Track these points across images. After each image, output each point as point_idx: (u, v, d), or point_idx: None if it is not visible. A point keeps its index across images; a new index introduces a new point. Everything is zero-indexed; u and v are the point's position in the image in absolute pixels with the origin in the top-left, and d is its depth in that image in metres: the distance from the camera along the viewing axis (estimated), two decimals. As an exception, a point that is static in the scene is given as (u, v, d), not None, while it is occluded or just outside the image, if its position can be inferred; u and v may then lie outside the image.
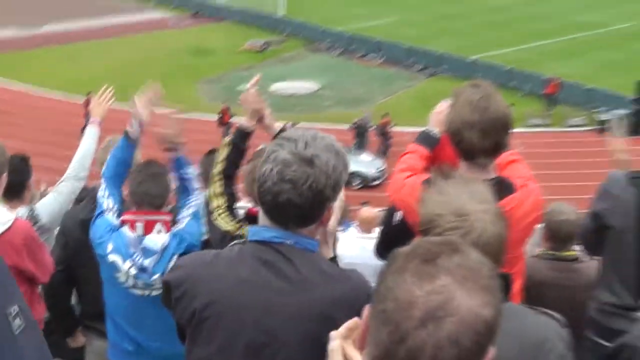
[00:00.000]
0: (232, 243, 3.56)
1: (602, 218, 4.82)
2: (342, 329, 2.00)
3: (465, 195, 2.80)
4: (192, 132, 35.33)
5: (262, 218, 3.07)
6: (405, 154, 4.34)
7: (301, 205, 2.87)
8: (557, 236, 5.81)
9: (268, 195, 2.89)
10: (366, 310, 1.80)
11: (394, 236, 4.05)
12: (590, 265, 5.67)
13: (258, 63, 46.70)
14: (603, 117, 36.42)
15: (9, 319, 1.90)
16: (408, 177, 4.04)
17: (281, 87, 41.56)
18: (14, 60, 44.48)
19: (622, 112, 35.32)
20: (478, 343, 1.66)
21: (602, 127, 34.28)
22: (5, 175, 4.82)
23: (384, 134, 36.36)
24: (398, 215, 4.34)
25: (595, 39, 52.54)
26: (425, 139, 4.29)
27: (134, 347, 4.98)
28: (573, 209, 5.97)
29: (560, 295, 5.29)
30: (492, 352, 1.75)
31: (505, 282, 2.80)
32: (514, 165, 4.09)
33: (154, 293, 4.79)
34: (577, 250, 5.92)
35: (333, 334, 2.02)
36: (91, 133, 5.91)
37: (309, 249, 3.05)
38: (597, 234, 4.96)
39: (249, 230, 3.21)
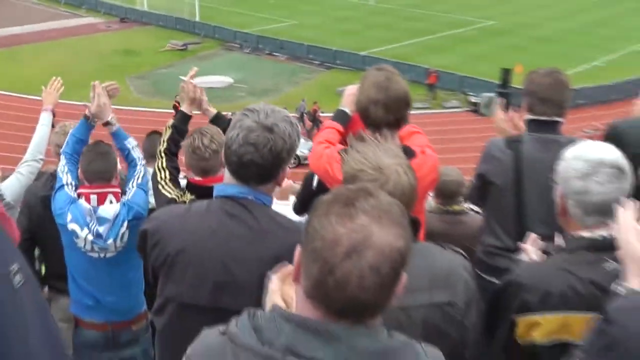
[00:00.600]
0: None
1: (486, 177, 5.19)
2: (280, 272, 2.39)
3: (380, 153, 3.09)
4: (124, 122, 38.32)
5: (228, 177, 3.41)
6: (323, 129, 4.71)
7: (262, 165, 3.23)
8: (444, 193, 6.47)
9: (234, 157, 3.25)
10: (297, 250, 2.04)
11: (311, 197, 3.79)
12: (475, 217, 6.20)
13: (178, 61, 48.14)
14: (473, 99, 39.23)
15: (10, 276, 2.06)
16: (326, 148, 4.40)
17: (201, 81, 40.06)
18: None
19: (489, 94, 36.98)
20: (394, 269, 1.92)
21: (474, 108, 37.67)
22: None
23: (315, 119, 38.11)
24: (315, 180, 4.94)
25: (465, 35, 55.34)
26: (339, 116, 4.64)
27: (93, 302, 5.23)
28: (457, 171, 6.66)
29: (450, 241, 4.84)
30: (404, 277, 2.01)
31: (415, 225, 3.06)
32: (414, 135, 4.47)
33: (109, 255, 5.08)
34: (463, 205, 6.48)
35: (272, 276, 2.41)
36: (44, 119, 6.19)
37: (266, 204, 3.41)
38: (481, 190, 5.31)
39: (215, 187, 3.50)
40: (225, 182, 3.42)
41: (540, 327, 3.17)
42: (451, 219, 6.36)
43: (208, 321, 2.23)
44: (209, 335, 2.11)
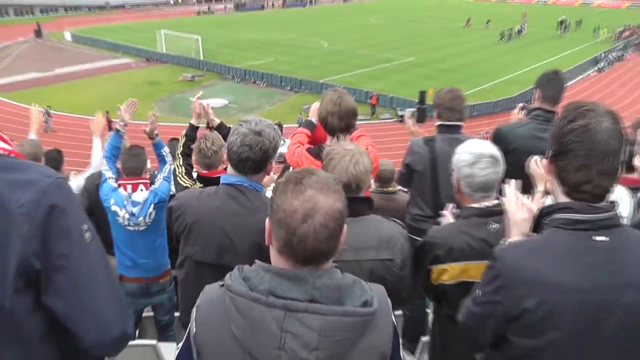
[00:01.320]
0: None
1: (410, 166, 5.22)
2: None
3: (348, 144, 3.27)
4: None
5: (230, 170, 3.44)
6: (295, 134, 4.65)
7: (255, 159, 3.28)
8: (382, 179, 6.48)
9: (234, 155, 3.30)
10: (267, 221, 2.04)
11: None
12: (403, 196, 6.19)
13: (189, 89, 47.78)
14: (400, 112, 38.74)
15: (82, 233, 2.05)
16: (297, 147, 4.43)
17: (205, 102, 45.81)
18: (35, 94, 43.93)
19: (411, 109, 37.52)
20: (338, 224, 1.95)
21: (400, 119, 37.16)
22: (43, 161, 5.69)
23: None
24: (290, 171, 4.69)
25: (393, 67, 55.55)
26: (307, 124, 4.63)
27: (131, 263, 5.34)
28: (391, 163, 6.67)
29: (386, 214, 4.90)
30: (345, 230, 2.03)
31: (369, 202, 3.26)
32: (361, 137, 4.44)
33: (141, 229, 5.17)
34: (395, 187, 6.53)
35: None
36: (96, 144, 6.74)
37: (258, 190, 3.43)
38: (408, 175, 5.31)
39: (222, 177, 3.52)
40: (229, 173, 3.44)
41: (447, 273, 3.31)
42: (387, 197, 6.40)
43: (213, 274, 2.29)
44: (211, 289, 2.11)
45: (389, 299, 2.17)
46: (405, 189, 6.19)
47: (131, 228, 5.23)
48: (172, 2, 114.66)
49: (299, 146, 4.54)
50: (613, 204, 2.33)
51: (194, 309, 2.10)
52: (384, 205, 6.04)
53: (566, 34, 76.85)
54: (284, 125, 32.47)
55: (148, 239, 5.34)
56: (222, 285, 2.03)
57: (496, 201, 3.35)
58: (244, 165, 3.34)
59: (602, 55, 61.26)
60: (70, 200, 2.09)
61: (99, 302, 2.12)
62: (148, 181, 5.35)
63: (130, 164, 5.31)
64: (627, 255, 2.28)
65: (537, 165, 3.17)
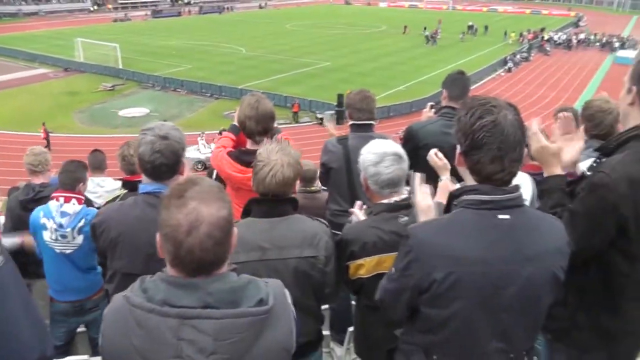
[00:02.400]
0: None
1: (326, 164, 5.34)
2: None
3: (275, 152, 3.23)
4: (72, 145, 34.12)
5: (145, 179, 3.39)
6: (221, 138, 4.71)
7: (168, 163, 3.27)
8: (305, 178, 6.47)
9: (148, 164, 3.27)
10: (157, 236, 2.01)
11: None
12: (324, 194, 6.20)
13: (109, 98, 47.10)
14: (320, 115, 39.44)
15: None
16: (220, 151, 4.45)
17: (126, 112, 42.06)
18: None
19: (329, 111, 38.19)
20: (223, 232, 1.95)
21: (320, 121, 37.70)
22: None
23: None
24: (214, 174, 4.85)
25: (310, 72, 55.81)
26: (232, 128, 4.67)
27: (61, 287, 5.21)
28: (312, 163, 6.69)
29: (310, 212, 4.88)
30: (234, 233, 2.04)
31: (294, 203, 3.29)
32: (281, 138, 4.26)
33: (68, 251, 4.96)
34: (318, 186, 6.57)
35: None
36: None
37: None
38: (326, 174, 5.43)
39: (139, 187, 3.45)
40: (144, 182, 3.44)
41: (363, 267, 3.42)
42: (310, 196, 6.46)
43: None
44: (116, 300, 2.10)
45: (286, 291, 2.24)
46: (325, 186, 6.19)
47: (59, 250, 5.02)
48: (91, 9, 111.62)
49: (221, 150, 4.57)
50: (517, 186, 2.48)
51: (102, 320, 2.12)
52: (307, 204, 5.98)
53: (476, 38, 79.32)
54: (205, 132, 32.48)
55: (77, 263, 5.13)
56: (124, 296, 2.05)
57: (404, 195, 3.49)
58: (159, 172, 3.33)
59: (510, 56, 63.68)
60: None
61: (12, 327, 2.14)
62: (82, 197, 5.16)
63: (63, 177, 5.14)
64: (527, 232, 2.44)
65: (437, 157, 3.30)
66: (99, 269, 5.11)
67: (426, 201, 2.97)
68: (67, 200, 5.00)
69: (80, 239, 4.99)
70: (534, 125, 3.19)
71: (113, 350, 2.05)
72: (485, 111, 2.39)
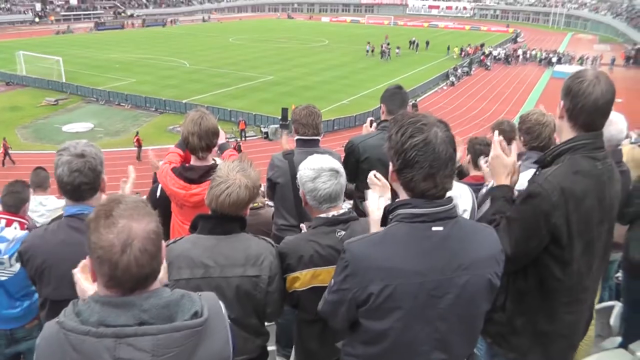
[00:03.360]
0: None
1: (272, 179, 5.26)
2: (80, 266, 2.33)
3: (235, 171, 3.22)
4: (16, 162, 33.83)
5: (67, 201, 3.30)
6: (168, 153, 4.66)
7: (89, 182, 3.19)
8: None
9: (68, 186, 3.18)
10: (88, 259, 2.00)
11: (155, 204, 4.00)
12: (268, 210, 6.23)
13: (53, 112, 46.14)
14: (264, 129, 39.66)
15: None
16: (166, 167, 4.48)
17: (70, 127, 41.09)
18: None
19: (274, 125, 37.88)
20: (155, 245, 1.95)
21: (265, 136, 38.41)
22: None
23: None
24: (159, 189, 4.84)
25: (254, 86, 55.52)
26: (180, 144, 4.61)
27: None
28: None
29: (251, 230, 4.75)
30: (163, 244, 2.03)
31: (240, 221, 3.30)
32: (232, 157, 4.54)
33: (2, 278, 4.71)
34: (259, 202, 6.43)
35: (74, 270, 2.35)
36: None
37: None
38: (272, 189, 5.35)
39: (64, 210, 3.36)
40: (67, 205, 3.35)
41: (299, 280, 3.41)
42: (252, 212, 5.95)
43: None
44: (48, 326, 2.06)
45: (220, 302, 2.23)
46: (271, 203, 6.13)
47: None
48: (36, 21, 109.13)
49: (167, 165, 4.55)
50: (449, 198, 2.51)
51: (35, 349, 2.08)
52: (249, 221, 5.38)
53: (417, 53, 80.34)
54: (152, 147, 31.86)
55: (11, 290, 4.87)
56: (58, 322, 1.99)
57: (343, 209, 3.49)
58: (80, 192, 3.24)
59: (452, 70, 64.86)
60: None
61: None
62: (25, 222, 4.99)
63: (7, 199, 4.96)
64: (461, 241, 2.48)
65: (375, 178, 3.22)
66: (36, 296, 4.69)
67: (378, 213, 2.94)
68: (9, 223, 4.82)
69: (17, 266, 4.69)
70: (495, 136, 3.36)
71: None
72: (416, 130, 2.42)
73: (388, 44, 77.48)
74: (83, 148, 3.22)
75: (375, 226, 2.90)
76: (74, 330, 1.92)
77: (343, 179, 3.47)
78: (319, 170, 3.42)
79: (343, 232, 3.37)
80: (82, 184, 3.20)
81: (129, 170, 4.05)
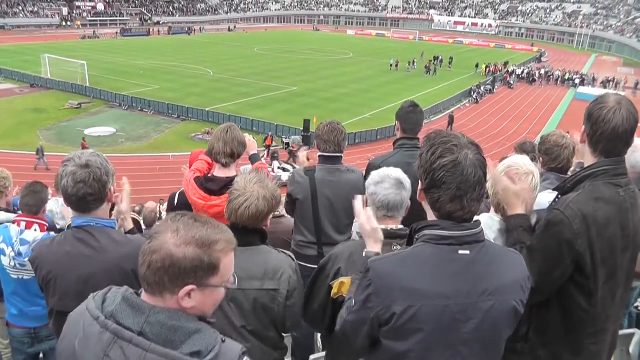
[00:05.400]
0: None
1: (292, 195, 5.28)
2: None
3: (254, 182, 3.25)
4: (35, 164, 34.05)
5: (73, 213, 3.29)
6: (198, 160, 4.69)
7: (94, 192, 3.16)
8: None
9: (73, 197, 3.16)
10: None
11: (174, 210, 4.19)
12: (289, 219, 6.06)
13: (75, 116, 46.26)
14: (286, 140, 39.61)
15: None
16: (191, 175, 4.50)
17: (92, 131, 41.21)
18: None
19: (296, 137, 38.85)
20: (173, 268, 1.95)
21: (287, 147, 38.13)
22: None
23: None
24: (177, 195, 4.99)
25: (277, 97, 55.67)
26: (208, 152, 4.54)
27: (17, 311, 4.92)
28: (276, 187, 5.72)
29: (272, 237, 5.03)
30: (209, 289, 2.03)
31: (261, 234, 3.27)
32: (260, 166, 4.58)
33: (26, 277, 4.71)
34: (281, 212, 6.30)
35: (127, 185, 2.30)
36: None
37: (107, 226, 3.29)
38: (291, 204, 5.38)
39: (72, 221, 3.32)
40: (74, 216, 3.32)
41: (345, 285, 3.26)
42: (274, 220, 5.95)
43: None
44: (85, 302, 2.13)
45: (243, 356, 2.09)
46: (291, 215, 6.00)
47: (15, 276, 4.79)
48: (63, 25, 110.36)
49: (192, 174, 4.56)
50: (477, 222, 2.49)
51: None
52: (271, 229, 5.48)
53: (440, 69, 80.00)
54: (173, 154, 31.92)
55: (34, 288, 4.69)
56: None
57: (402, 225, 3.40)
58: (86, 203, 3.21)
59: (475, 87, 64.66)
60: None
61: None
62: (45, 224, 4.97)
63: (27, 200, 4.93)
64: (487, 266, 2.46)
65: (367, 221, 3.08)
66: None
67: (371, 224, 2.97)
68: (29, 226, 4.83)
69: None
70: (499, 170, 3.35)
71: (65, 348, 2.09)
72: (446, 150, 2.41)
73: (430, 61, 78.53)
74: (88, 158, 3.20)
75: (370, 240, 2.94)
76: (90, 312, 2.01)
77: (406, 192, 3.44)
78: (385, 177, 3.42)
79: (399, 247, 3.22)
80: (87, 195, 3.18)
81: (123, 181, 4.02)
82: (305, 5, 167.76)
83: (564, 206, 3.02)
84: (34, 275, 4.29)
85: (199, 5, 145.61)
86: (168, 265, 1.96)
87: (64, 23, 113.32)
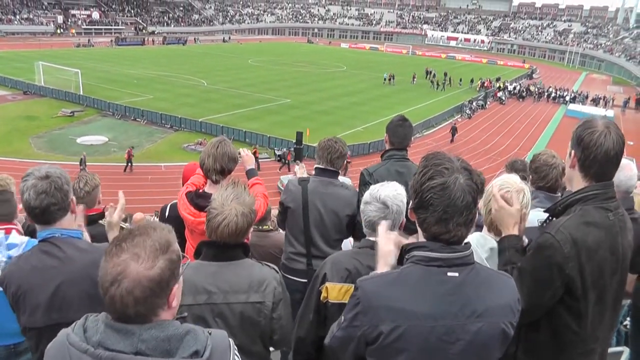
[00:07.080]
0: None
1: (284, 203, 5.28)
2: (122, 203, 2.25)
3: (230, 199, 3.21)
4: (25, 172, 36.30)
5: (38, 226, 3.27)
6: (195, 174, 4.70)
7: (57, 202, 3.16)
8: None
9: (37, 210, 3.14)
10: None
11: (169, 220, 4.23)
12: (279, 234, 6.07)
13: (68, 124, 46.15)
14: (278, 152, 39.92)
15: None
16: (184, 190, 4.51)
17: (84, 139, 41.18)
18: None
19: (291, 148, 38.84)
20: (144, 292, 1.93)
21: (279, 158, 38.27)
22: None
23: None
24: (167, 209, 5.03)
25: (270, 109, 55.61)
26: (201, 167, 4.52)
27: None
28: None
29: (260, 251, 5.62)
30: (175, 288, 2.05)
31: (244, 247, 3.26)
32: (255, 185, 4.68)
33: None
34: (270, 225, 6.31)
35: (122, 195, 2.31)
36: None
37: (73, 236, 3.27)
38: (284, 214, 5.36)
39: (37, 235, 3.30)
40: (38, 230, 3.30)
41: (330, 291, 3.37)
42: (262, 235, 6.18)
43: (51, 336, 2.17)
44: (61, 335, 2.09)
45: (230, 341, 2.21)
46: (282, 228, 5.99)
47: None
48: (58, 32, 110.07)
49: (186, 188, 4.59)
50: (467, 245, 2.50)
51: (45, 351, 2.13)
52: (257, 242, 5.90)
53: (434, 85, 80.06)
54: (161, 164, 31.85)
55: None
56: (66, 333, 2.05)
57: None
58: (50, 213, 3.21)
59: (467, 103, 65.03)
60: None
61: None
62: (20, 228, 4.88)
63: (2, 209, 4.83)
64: (476, 288, 2.45)
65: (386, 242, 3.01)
66: None
67: (388, 247, 2.94)
68: (8, 232, 4.63)
69: None
70: (494, 190, 3.34)
71: None
72: (436, 172, 2.43)
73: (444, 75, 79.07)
74: (47, 170, 3.21)
75: (382, 261, 2.89)
76: (75, 345, 1.97)
77: (391, 214, 3.40)
78: (374, 198, 3.42)
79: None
80: (50, 205, 3.17)
81: (119, 195, 4.04)
82: (300, 17, 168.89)
83: (555, 230, 3.04)
84: None
85: (194, 16, 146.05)
86: (155, 286, 1.98)
87: (58, 31, 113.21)
